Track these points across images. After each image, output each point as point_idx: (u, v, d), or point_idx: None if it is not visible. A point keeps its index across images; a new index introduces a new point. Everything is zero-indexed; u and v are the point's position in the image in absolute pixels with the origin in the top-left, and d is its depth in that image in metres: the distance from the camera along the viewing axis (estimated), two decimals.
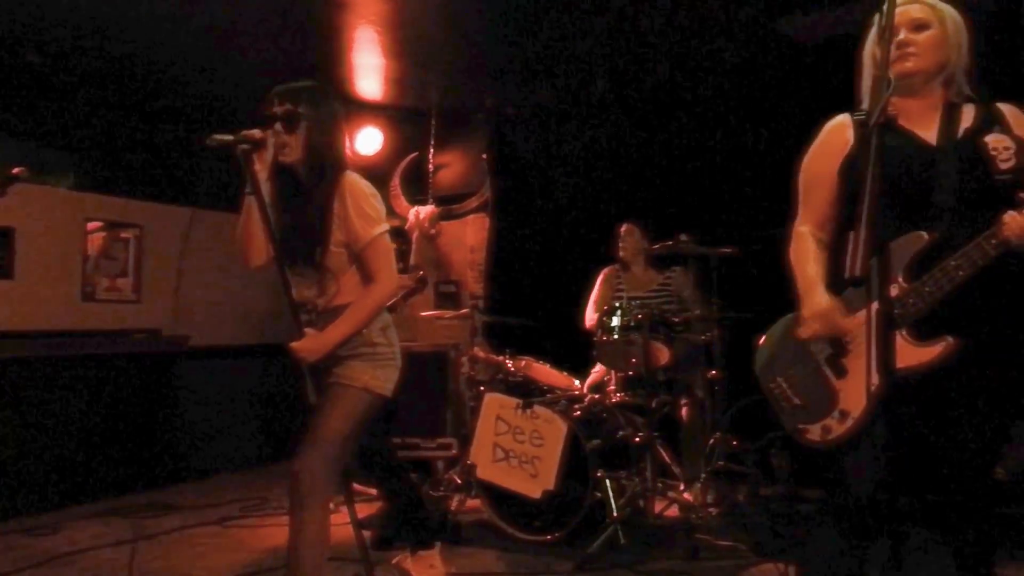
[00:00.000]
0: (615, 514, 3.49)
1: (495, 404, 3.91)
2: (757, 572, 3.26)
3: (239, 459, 5.64)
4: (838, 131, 2.08)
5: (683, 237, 4.12)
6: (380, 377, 2.56)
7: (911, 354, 1.84)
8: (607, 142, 5.49)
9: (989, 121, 1.93)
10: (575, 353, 4.60)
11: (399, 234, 6.37)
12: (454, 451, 4.88)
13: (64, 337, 4.86)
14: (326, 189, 2.48)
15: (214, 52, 4.71)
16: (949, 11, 1.99)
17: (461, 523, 3.90)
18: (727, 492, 4.10)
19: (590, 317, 4.60)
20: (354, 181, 2.52)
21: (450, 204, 6.18)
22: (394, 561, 3.21)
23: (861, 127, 1.44)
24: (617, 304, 4.02)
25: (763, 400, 2.19)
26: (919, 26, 1.94)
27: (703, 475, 4.03)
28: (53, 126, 5.19)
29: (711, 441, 4.13)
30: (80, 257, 5.26)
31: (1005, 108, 1.97)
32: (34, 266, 4.93)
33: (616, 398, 4.08)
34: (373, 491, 4.04)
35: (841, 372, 2.01)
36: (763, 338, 2.24)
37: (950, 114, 1.96)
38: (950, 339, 1.83)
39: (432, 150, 6.19)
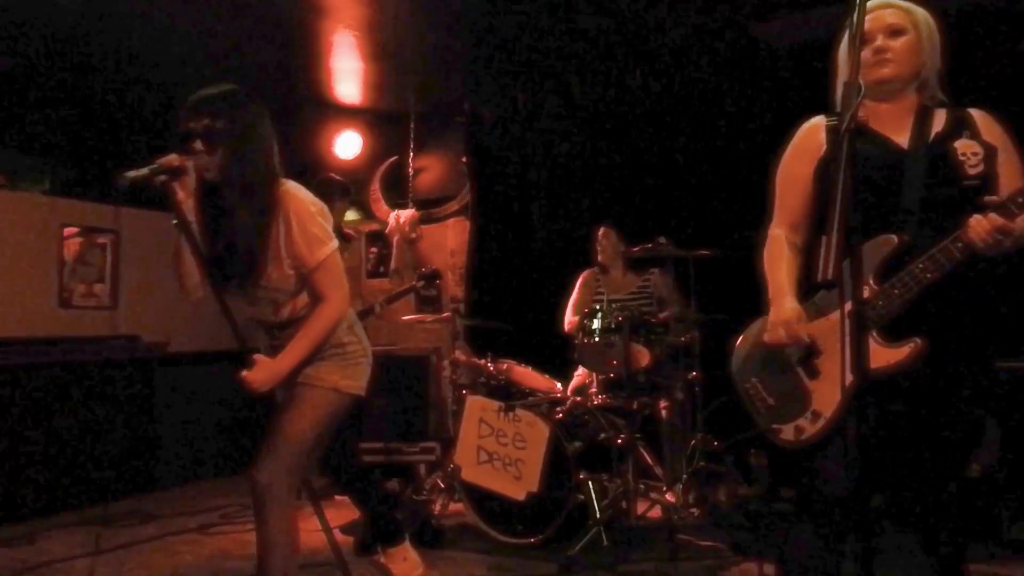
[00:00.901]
0: (597, 516, 3.51)
1: (477, 407, 3.92)
2: (737, 572, 3.29)
3: (219, 466, 5.60)
4: (812, 133, 2.10)
5: (661, 239, 4.15)
6: (350, 376, 2.49)
7: (880, 355, 1.86)
8: (585, 145, 5.51)
9: (959, 126, 1.95)
10: (556, 356, 4.62)
11: (379, 238, 6.37)
12: (436, 455, 4.88)
13: (40, 344, 4.81)
14: (257, 206, 2.29)
15: (192, 57, 4.69)
16: (922, 14, 2.01)
17: (444, 527, 3.90)
18: (708, 493, 4.13)
19: (569, 320, 4.63)
20: (295, 199, 2.34)
21: (430, 208, 6.19)
22: (370, 561, 3.21)
23: (833, 133, 1.46)
24: (597, 307, 4.04)
25: (738, 400, 2.22)
26: (895, 32, 1.96)
27: (684, 476, 4.06)
28: (28, 132, 5.14)
29: (692, 442, 4.16)
30: (56, 263, 5.21)
31: (975, 113, 1.99)
32: (9, 272, 4.88)
33: (597, 400, 4.10)
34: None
35: (814, 373, 2.04)
36: (739, 339, 2.26)
37: (922, 118, 1.99)
38: (918, 340, 1.86)
39: (411, 154, 6.19)
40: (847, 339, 1.35)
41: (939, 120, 1.99)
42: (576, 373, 4.53)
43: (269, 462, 2.35)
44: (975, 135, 1.93)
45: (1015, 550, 3.40)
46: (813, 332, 2.04)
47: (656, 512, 3.98)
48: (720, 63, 4.80)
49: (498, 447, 3.78)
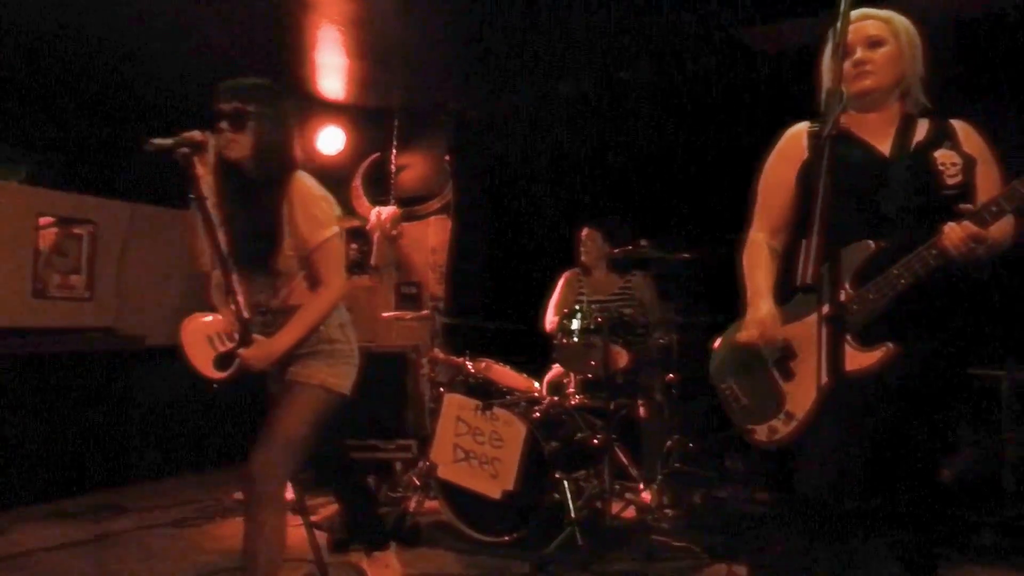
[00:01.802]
0: (573, 515, 3.52)
1: (455, 405, 3.92)
2: (711, 573, 3.32)
3: (195, 460, 5.55)
4: (796, 139, 2.13)
5: (643, 242, 4.17)
6: (338, 375, 2.53)
7: (853, 359, 1.89)
8: (569, 146, 5.53)
9: (941, 136, 1.98)
10: (535, 355, 4.63)
11: (360, 235, 6.35)
12: (413, 452, 4.88)
13: (14, 334, 4.75)
14: (276, 191, 2.41)
15: (174, 49, 4.65)
16: (903, 23, 2.04)
17: (419, 524, 3.90)
18: (683, 494, 4.16)
19: (550, 320, 4.64)
20: (303, 183, 2.45)
21: (412, 205, 6.18)
22: (351, 561, 3.20)
23: (815, 138, 1.49)
24: (577, 307, 4.06)
25: (715, 402, 2.25)
26: (875, 43, 1.99)
27: (660, 477, 4.09)
28: (6, 121, 5.07)
29: (668, 443, 4.19)
30: (32, 253, 5.15)
31: (957, 124, 2.02)
32: None
33: (575, 400, 4.12)
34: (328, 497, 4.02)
35: (788, 375, 2.07)
36: (718, 341, 2.29)
37: (905, 127, 2.02)
38: (890, 345, 1.89)
39: (394, 151, 6.18)
40: (823, 342, 1.37)
41: (921, 129, 2.02)
42: (552, 367, 4.54)
43: (261, 457, 2.38)
44: (955, 146, 1.96)
45: (986, 556, 3.46)
46: (789, 335, 2.07)
47: (631, 512, 4.01)
48: (707, 67, 4.83)
49: (475, 445, 3.78)
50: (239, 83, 2.44)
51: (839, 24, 1.53)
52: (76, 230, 5.42)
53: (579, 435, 3.92)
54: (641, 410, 4.30)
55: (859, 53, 1.99)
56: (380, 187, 6.25)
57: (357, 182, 6.25)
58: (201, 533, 3.97)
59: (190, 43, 4.57)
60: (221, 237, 2.37)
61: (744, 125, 4.60)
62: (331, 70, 5.29)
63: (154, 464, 5.29)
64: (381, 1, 4.23)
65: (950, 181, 1.92)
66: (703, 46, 4.62)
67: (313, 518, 3.81)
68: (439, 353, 4.77)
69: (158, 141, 2.26)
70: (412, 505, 4.09)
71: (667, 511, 3.98)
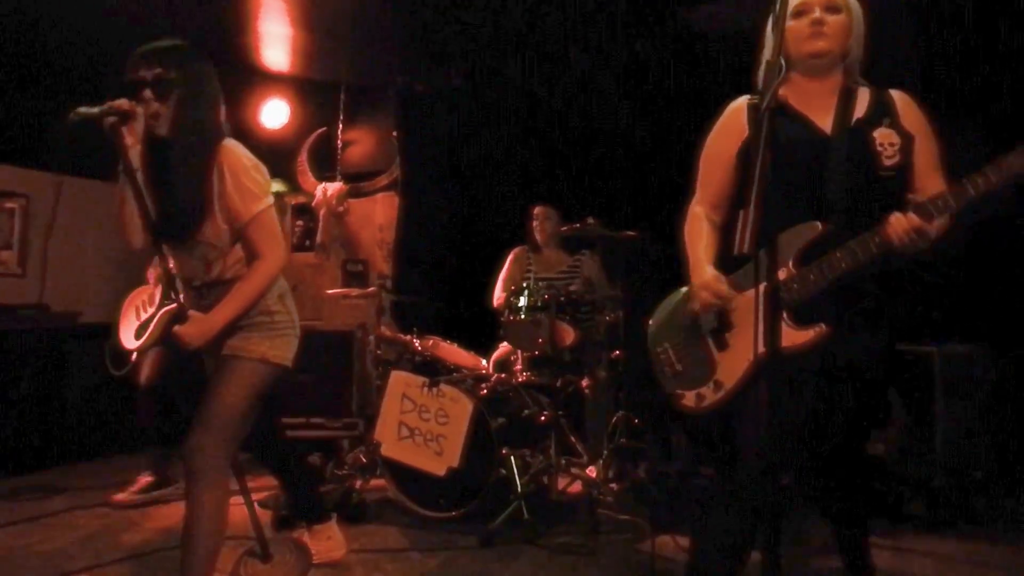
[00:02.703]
0: (519, 490, 3.54)
1: (401, 382, 3.89)
2: (655, 545, 3.37)
3: (132, 440, 5.41)
4: (738, 113, 2.14)
5: (590, 220, 4.19)
6: (279, 346, 2.47)
7: (787, 336, 1.92)
8: (516, 123, 5.51)
9: (881, 112, 2.01)
10: (482, 333, 4.62)
11: (306, 211, 6.24)
12: (359, 431, 4.84)
13: None
14: (204, 161, 2.30)
15: (107, 16, 4.47)
16: (854, 1, 2.07)
17: (366, 501, 3.88)
18: (628, 469, 4.21)
19: (498, 296, 4.64)
20: (232, 153, 2.34)
21: (359, 182, 6.09)
22: (292, 536, 3.17)
23: (754, 111, 1.50)
24: (525, 285, 4.06)
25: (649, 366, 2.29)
26: (832, 8, 2.02)
27: (605, 452, 4.13)
28: None
29: (614, 420, 4.23)
30: None
31: (897, 96, 2.05)
32: None
33: (522, 378, 4.13)
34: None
35: (723, 346, 2.11)
36: (658, 307, 2.33)
37: (846, 100, 2.04)
38: (823, 326, 1.93)
39: (341, 126, 6.08)
40: (759, 316, 1.39)
41: (862, 102, 2.04)
42: (499, 345, 4.55)
43: (200, 434, 2.31)
44: (894, 123, 1.99)
45: (914, 525, 3.58)
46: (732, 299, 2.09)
47: (577, 487, 4.04)
48: (651, 46, 4.85)
49: (420, 423, 3.77)
50: (157, 47, 2.30)
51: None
52: (8, 204, 5.22)
53: (526, 412, 3.93)
54: (587, 387, 4.33)
55: (817, 13, 2.01)
56: (326, 163, 6.14)
57: (303, 157, 6.12)
58: (139, 513, 3.88)
59: (127, 7, 4.41)
60: (151, 209, 2.28)
61: (691, 104, 4.64)
62: (275, 40, 5.16)
63: (92, 444, 5.15)
64: None
65: (888, 163, 1.95)
66: (649, 24, 4.62)
67: (257, 496, 3.78)
68: (386, 331, 4.73)
69: (83, 110, 2.16)
70: (358, 483, 4.06)
71: (612, 486, 4.03)
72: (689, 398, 2.15)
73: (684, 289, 2.23)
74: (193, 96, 2.30)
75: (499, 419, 3.69)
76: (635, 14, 4.49)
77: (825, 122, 2.02)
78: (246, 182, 2.33)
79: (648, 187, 4.87)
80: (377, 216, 6.11)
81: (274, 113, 6.03)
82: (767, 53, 2.03)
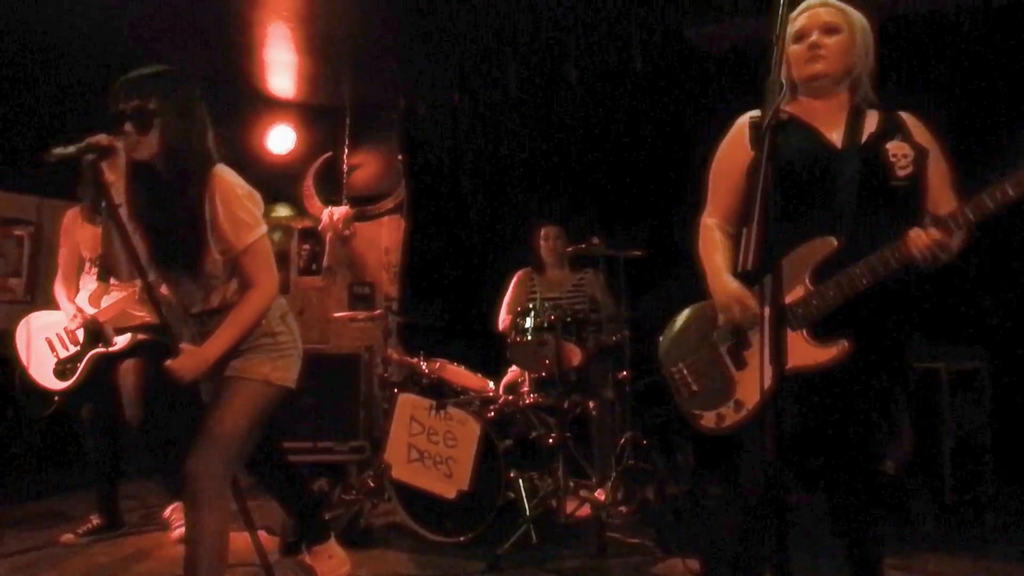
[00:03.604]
0: (527, 514, 3.52)
1: (409, 405, 3.89)
2: (664, 568, 3.33)
3: (141, 466, 5.40)
4: (746, 127, 2.12)
5: (595, 239, 4.20)
6: (281, 367, 2.43)
7: (808, 354, 1.92)
8: (520, 144, 5.54)
9: (892, 128, 2.01)
10: (489, 355, 4.62)
11: (312, 235, 6.27)
12: (366, 454, 4.83)
13: None
14: (193, 190, 2.24)
15: (117, 45, 4.53)
16: (857, 16, 2.07)
17: (372, 526, 3.85)
18: (636, 490, 4.18)
19: (503, 319, 4.64)
20: (223, 181, 2.28)
21: (364, 205, 6.12)
22: (298, 559, 3.15)
23: (755, 128, 1.51)
24: (531, 305, 4.06)
25: (663, 383, 2.25)
26: (830, 30, 2.02)
27: (613, 474, 4.10)
28: None
29: (621, 440, 4.21)
30: None
31: (906, 116, 2.06)
32: None
33: (529, 399, 4.11)
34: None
35: (741, 364, 2.08)
36: (669, 324, 2.29)
37: (855, 118, 2.04)
38: (845, 343, 1.91)
39: (347, 150, 6.12)
40: (768, 335, 1.38)
41: (871, 120, 2.04)
42: (509, 370, 4.54)
43: (200, 457, 2.27)
44: (907, 137, 1.99)
45: (924, 542, 3.54)
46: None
47: (585, 510, 4.01)
48: (657, 65, 4.88)
49: (429, 445, 3.76)
50: (136, 77, 2.26)
51: (779, 15, 1.55)
52: (16, 231, 5.26)
53: (533, 433, 3.92)
54: (593, 407, 4.31)
55: (814, 36, 2.02)
56: (332, 187, 6.18)
57: (309, 182, 6.17)
58: (145, 540, 3.86)
59: (136, 38, 4.47)
60: (138, 245, 2.24)
61: (694, 122, 4.67)
62: (281, 67, 5.22)
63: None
64: None
65: (900, 173, 1.94)
66: (653, 44, 4.66)
67: (260, 524, 3.76)
68: (393, 353, 4.73)
69: (59, 151, 2.10)
70: (366, 507, 4.04)
71: (621, 508, 4.00)
72: (709, 419, 2.11)
73: (696, 305, 2.22)
74: (177, 123, 2.25)
75: (506, 441, 3.68)
76: (638, 33, 4.53)
77: (835, 136, 2.03)
78: (238, 212, 2.29)
79: (653, 205, 4.88)
80: (383, 239, 6.14)
81: (281, 139, 6.09)
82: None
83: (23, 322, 3.73)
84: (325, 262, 6.13)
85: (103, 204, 2.19)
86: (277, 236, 5.97)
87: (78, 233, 3.71)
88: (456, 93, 5.56)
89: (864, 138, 2.01)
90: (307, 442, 4.81)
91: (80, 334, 3.64)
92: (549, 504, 3.78)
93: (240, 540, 2.45)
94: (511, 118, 5.56)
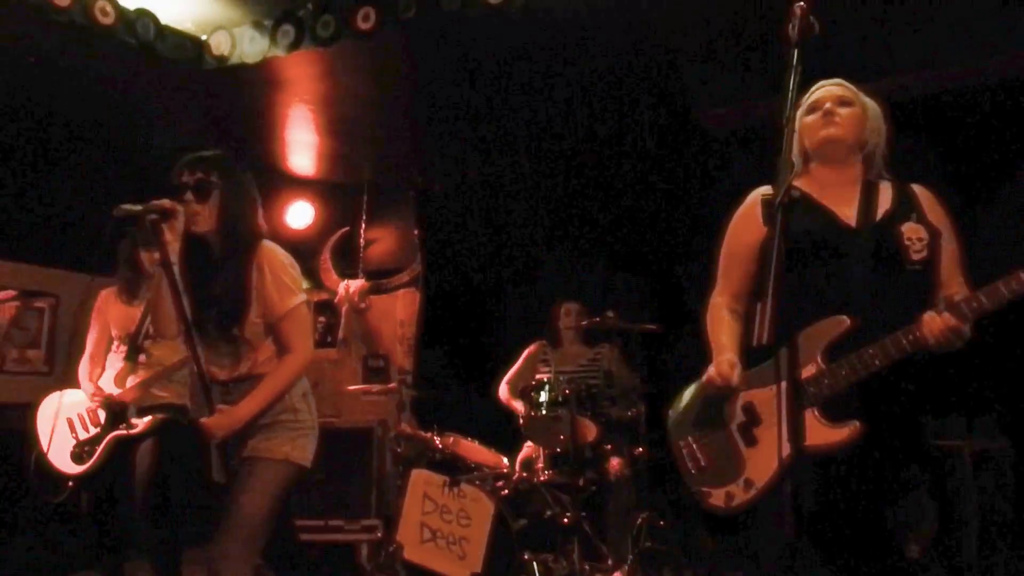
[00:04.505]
0: None
1: (422, 481, 3.84)
2: None
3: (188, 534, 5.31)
4: (755, 206, 2.17)
5: (609, 313, 4.19)
6: (300, 447, 2.46)
7: (821, 434, 1.89)
8: (534, 220, 5.61)
9: (906, 207, 2.02)
10: (503, 429, 4.57)
11: (328, 307, 6.31)
12: (379, 533, 4.74)
13: None
14: (241, 259, 2.42)
15: (142, 123, 4.67)
16: (869, 102, 2.13)
17: None
18: (653, 574, 4.06)
19: (503, 390, 4.63)
20: (271, 251, 2.47)
21: (380, 278, 6.17)
22: None
23: (767, 206, 1.52)
24: (545, 379, 4.04)
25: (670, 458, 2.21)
26: (844, 102, 2.08)
27: (631, 557, 4.00)
28: None
29: (638, 520, 4.11)
30: None
31: (919, 191, 2.07)
32: None
33: (544, 476, 4.05)
34: None
35: (751, 441, 2.05)
36: (677, 397, 2.28)
37: (868, 194, 2.06)
38: (857, 423, 1.89)
39: (363, 225, 6.21)
40: (783, 413, 1.37)
41: (885, 196, 2.06)
42: (524, 445, 4.49)
43: (226, 541, 2.31)
44: (921, 218, 2.00)
45: None
46: (755, 400, 2.06)
47: None
48: (668, 145, 4.97)
49: (442, 524, 3.69)
50: (200, 155, 2.46)
51: (790, 95, 1.59)
52: (37, 304, 5.33)
53: (548, 513, 3.83)
54: (612, 479, 4.23)
55: (828, 106, 2.07)
56: (348, 260, 6.25)
57: (325, 255, 6.25)
58: None
59: (159, 117, 4.61)
60: (186, 304, 2.34)
61: (701, 199, 4.73)
62: (301, 147, 5.36)
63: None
64: (350, 81, 4.32)
65: (915, 256, 1.95)
66: (664, 125, 4.76)
67: None
68: (406, 427, 4.70)
69: (128, 207, 2.26)
70: None
71: None
72: (718, 497, 2.07)
73: (703, 380, 2.21)
74: (234, 197, 2.44)
75: (520, 520, 3.61)
76: (649, 116, 4.63)
77: (848, 214, 2.04)
78: (283, 277, 2.44)
79: (669, 280, 4.89)
80: (398, 312, 6.16)
81: (299, 215, 6.19)
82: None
83: (47, 400, 3.66)
84: (340, 334, 6.15)
85: (159, 261, 2.31)
86: None
87: (111, 312, 3.76)
88: (471, 170, 5.67)
89: (879, 216, 2.02)
90: (318, 520, 4.73)
91: (102, 415, 3.58)
92: None
93: None
94: (525, 194, 5.64)
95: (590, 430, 3.96)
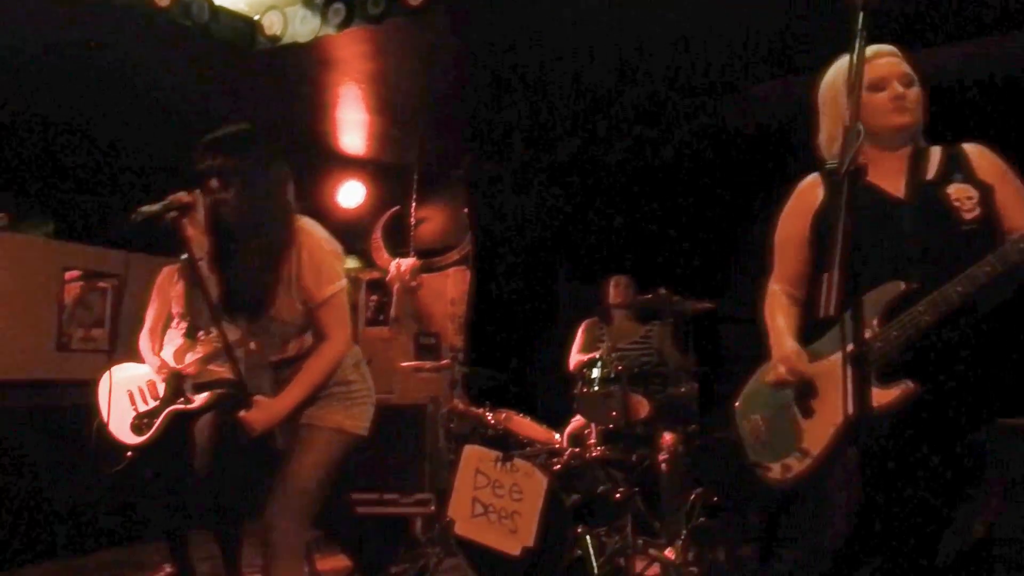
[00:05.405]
0: (596, 572, 3.43)
1: (474, 457, 3.86)
2: None
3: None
4: (809, 190, 2.14)
5: (662, 291, 4.15)
6: (355, 416, 2.47)
7: (872, 396, 1.84)
8: (583, 196, 5.57)
9: (952, 168, 1.96)
10: (555, 406, 4.58)
11: (380, 286, 6.38)
12: (432, 507, 4.79)
13: (38, 387, 4.77)
14: (269, 242, 2.33)
15: (196, 106, 4.74)
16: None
17: None
18: (707, 550, 4.04)
19: (574, 359, 4.63)
20: (312, 235, 2.40)
21: (431, 257, 6.21)
22: None
23: (830, 176, 1.47)
24: (597, 356, 4.03)
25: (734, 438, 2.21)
26: (909, 82, 2.00)
27: (684, 532, 3.98)
28: (32, 175, 5.18)
29: (692, 497, 4.08)
30: (56, 307, 5.20)
31: (969, 149, 2.00)
32: (8, 315, 4.87)
33: (596, 452, 4.04)
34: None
35: (808, 413, 2.04)
36: (750, 379, 2.28)
37: (916, 162, 2.00)
38: (910, 383, 1.84)
39: (414, 204, 6.24)
40: (847, 379, 1.34)
41: (933, 162, 2.00)
42: (572, 419, 4.48)
43: (278, 508, 2.32)
44: (969, 176, 1.94)
45: None
46: (813, 373, 2.03)
47: (655, 570, 3.88)
48: (716, 123, 4.88)
49: (494, 499, 3.71)
50: (217, 136, 2.38)
51: (855, 61, 1.53)
52: (101, 284, 5.49)
53: (601, 488, 3.83)
54: (662, 461, 4.21)
55: (898, 89, 1.98)
56: (400, 239, 6.30)
57: (377, 234, 6.31)
58: None
59: (213, 101, 4.67)
60: (215, 296, 2.34)
61: (760, 175, 4.63)
62: (351, 126, 5.39)
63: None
64: (401, 58, 4.32)
65: (968, 216, 1.89)
66: (717, 101, 4.67)
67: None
68: (458, 404, 4.73)
69: (145, 209, 2.25)
70: (431, 562, 4.00)
71: (692, 568, 3.86)
72: (775, 470, 2.08)
73: (771, 378, 2.19)
74: (255, 179, 2.33)
75: (573, 496, 3.62)
76: (699, 88, 4.55)
77: (897, 187, 1.99)
78: (321, 265, 2.37)
79: (722, 257, 4.81)
80: (449, 290, 6.20)
81: (350, 194, 6.25)
82: (837, 115, 1.99)
83: (107, 373, 3.72)
84: (392, 313, 6.21)
85: (184, 257, 2.34)
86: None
87: (172, 289, 3.82)
88: (522, 148, 5.64)
89: (926, 182, 1.97)
90: (373, 493, 4.81)
91: (161, 388, 3.68)
92: (617, 563, 3.68)
93: None
94: (575, 174, 5.60)
95: (643, 407, 3.94)
